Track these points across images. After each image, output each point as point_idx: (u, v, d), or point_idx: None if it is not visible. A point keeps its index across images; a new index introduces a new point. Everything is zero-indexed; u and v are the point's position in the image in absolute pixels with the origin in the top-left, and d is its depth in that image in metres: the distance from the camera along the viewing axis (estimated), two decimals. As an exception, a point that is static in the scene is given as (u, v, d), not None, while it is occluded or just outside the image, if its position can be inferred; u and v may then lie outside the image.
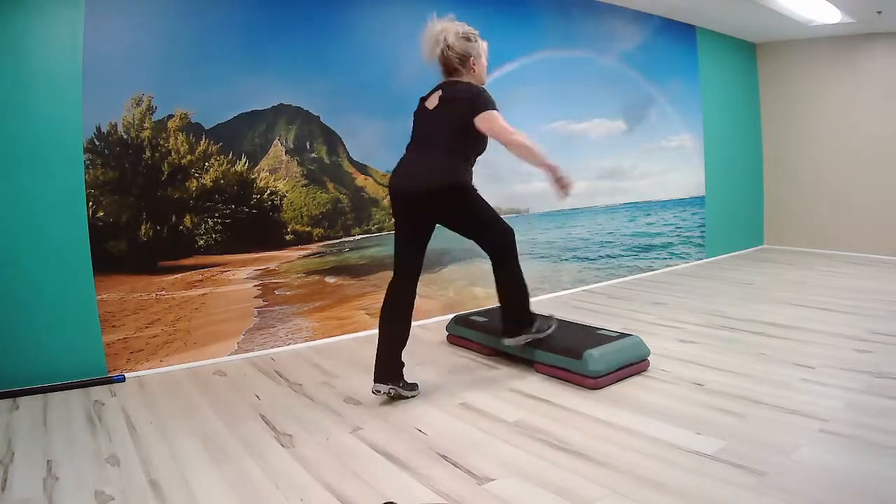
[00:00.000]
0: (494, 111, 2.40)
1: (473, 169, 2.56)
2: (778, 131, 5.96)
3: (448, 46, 2.45)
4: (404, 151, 2.57)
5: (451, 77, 2.53)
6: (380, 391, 2.41)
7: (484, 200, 2.58)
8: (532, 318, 2.70)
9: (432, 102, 2.51)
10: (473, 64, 2.51)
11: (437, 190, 2.42)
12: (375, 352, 2.47)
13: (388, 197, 2.61)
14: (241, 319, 3.18)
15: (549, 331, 2.72)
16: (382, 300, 2.55)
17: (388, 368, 2.45)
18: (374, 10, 3.53)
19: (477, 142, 2.47)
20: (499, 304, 2.70)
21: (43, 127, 2.63)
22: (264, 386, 2.70)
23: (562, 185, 2.50)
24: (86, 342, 2.76)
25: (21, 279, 2.63)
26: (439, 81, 2.57)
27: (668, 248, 5.27)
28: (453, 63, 2.49)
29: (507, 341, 2.70)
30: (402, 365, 2.50)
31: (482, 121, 2.38)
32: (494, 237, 2.58)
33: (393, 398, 2.45)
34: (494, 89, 3.69)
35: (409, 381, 2.52)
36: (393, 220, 2.61)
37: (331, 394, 2.57)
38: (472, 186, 2.54)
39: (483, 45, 2.55)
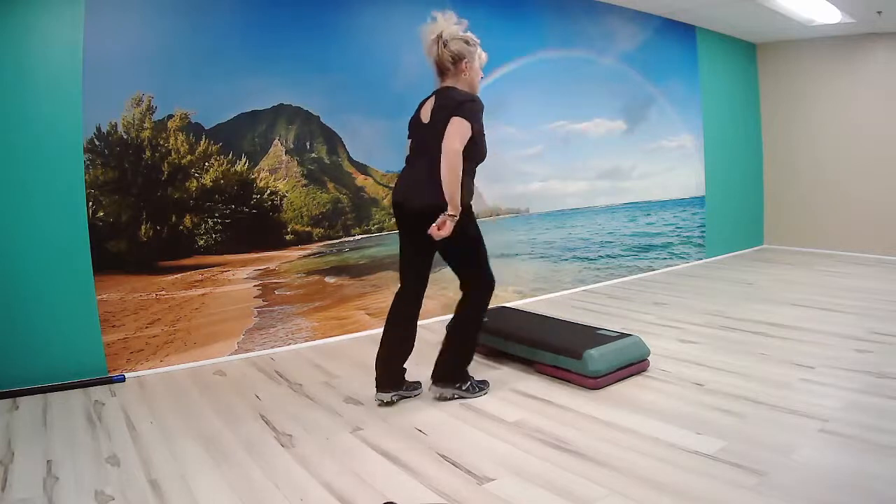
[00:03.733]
0: (465, 121, 2.23)
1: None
2: (778, 131, 5.96)
3: (444, 44, 2.34)
4: (404, 164, 2.48)
5: (444, 80, 2.40)
6: (383, 400, 2.42)
7: (478, 234, 2.43)
8: (466, 375, 2.53)
9: (426, 114, 2.38)
10: (465, 67, 2.37)
11: (427, 207, 2.25)
12: (376, 358, 2.44)
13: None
14: (241, 319, 3.18)
15: (480, 394, 2.52)
16: (389, 307, 2.50)
17: (390, 376, 2.45)
18: (373, 9, 3.53)
19: (471, 151, 2.27)
20: (440, 349, 2.53)
21: (43, 127, 2.63)
22: (264, 386, 2.70)
23: (440, 226, 2.23)
24: (86, 342, 2.76)
25: (21, 279, 2.64)
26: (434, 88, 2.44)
27: (668, 248, 5.27)
28: (446, 62, 2.36)
29: (437, 388, 2.49)
30: (404, 371, 2.50)
31: (450, 123, 2.22)
32: (474, 282, 2.46)
33: (396, 402, 2.45)
34: (495, 89, 3.67)
35: (410, 381, 2.53)
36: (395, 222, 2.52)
37: (331, 394, 2.57)
38: (468, 208, 2.37)
39: (481, 55, 2.43)
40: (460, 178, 2.22)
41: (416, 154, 2.42)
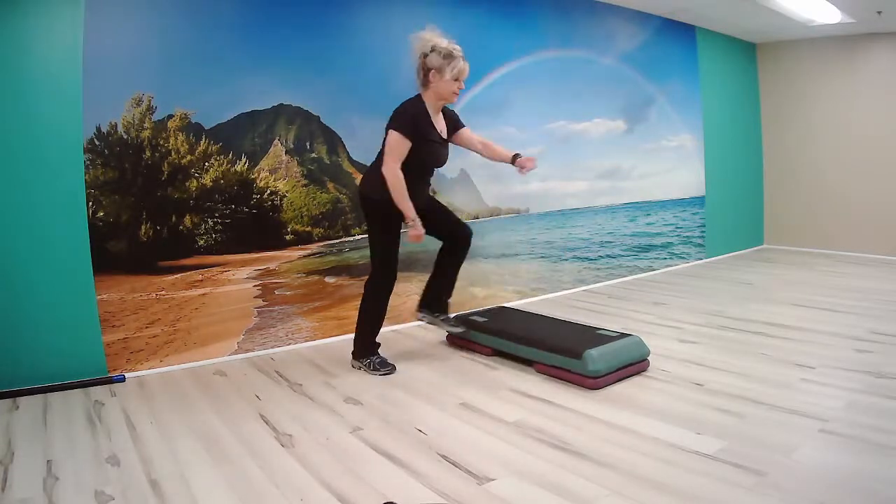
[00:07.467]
0: (395, 132, 2.57)
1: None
2: (778, 131, 5.96)
3: (424, 56, 2.61)
4: None
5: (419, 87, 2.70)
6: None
7: (394, 233, 2.75)
8: (372, 350, 2.86)
9: None
10: (431, 78, 2.61)
11: (360, 194, 2.80)
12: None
13: None
14: (241, 319, 3.18)
15: (383, 370, 2.80)
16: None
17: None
18: (374, 10, 3.53)
19: (414, 155, 2.62)
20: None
21: (43, 127, 2.63)
22: (264, 386, 2.70)
23: (409, 235, 2.66)
24: (86, 342, 2.76)
25: (21, 279, 2.63)
26: None
27: (668, 248, 5.27)
28: (418, 73, 2.66)
29: (353, 362, 2.89)
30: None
31: (387, 136, 2.60)
32: (374, 268, 2.82)
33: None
34: (495, 90, 3.66)
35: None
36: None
37: (331, 394, 2.57)
38: (388, 209, 2.64)
39: (457, 66, 2.61)
40: (392, 183, 2.58)
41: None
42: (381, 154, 2.70)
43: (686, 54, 5.28)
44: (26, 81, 2.60)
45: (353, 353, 2.90)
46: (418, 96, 2.69)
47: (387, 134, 2.62)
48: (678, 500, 1.64)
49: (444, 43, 2.62)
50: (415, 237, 2.64)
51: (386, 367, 2.80)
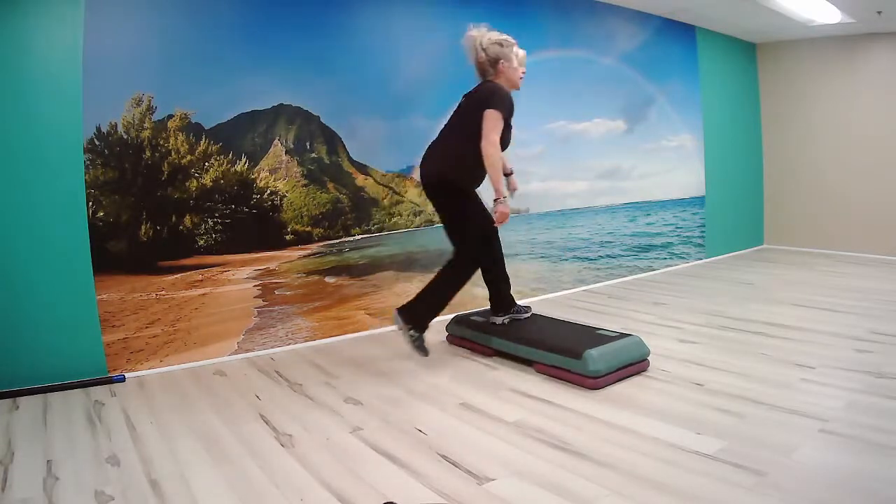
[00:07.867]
0: (497, 112, 2.62)
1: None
2: (778, 131, 5.96)
3: (483, 50, 2.72)
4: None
5: (484, 79, 2.79)
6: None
7: (477, 211, 2.80)
8: (424, 325, 2.84)
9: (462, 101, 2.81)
10: (503, 67, 2.74)
11: (436, 176, 2.78)
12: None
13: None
14: (241, 319, 3.18)
15: (418, 353, 2.83)
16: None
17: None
18: (374, 10, 3.53)
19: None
20: (423, 289, 2.86)
21: (43, 127, 2.63)
22: (264, 386, 2.70)
23: (497, 212, 2.70)
24: (86, 342, 2.76)
25: (21, 279, 2.64)
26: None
27: (668, 248, 5.27)
28: (485, 66, 2.76)
29: (399, 317, 2.81)
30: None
31: (485, 115, 2.61)
32: (469, 245, 2.81)
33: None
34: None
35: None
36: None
37: (331, 394, 2.57)
38: (469, 188, 2.78)
39: (518, 52, 2.78)
40: (494, 162, 2.62)
41: (441, 133, 2.86)
42: (450, 137, 2.78)
43: (686, 54, 5.28)
44: (26, 81, 2.60)
45: (405, 309, 2.81)
46: (491, 82, 2.76)
47: (483, 113, 2.63)
48: (678, 500, 1.64)
49: (495, 35, 2.74)
50: (503, 214, 2.68)
51: (423, 351, 2.81)
